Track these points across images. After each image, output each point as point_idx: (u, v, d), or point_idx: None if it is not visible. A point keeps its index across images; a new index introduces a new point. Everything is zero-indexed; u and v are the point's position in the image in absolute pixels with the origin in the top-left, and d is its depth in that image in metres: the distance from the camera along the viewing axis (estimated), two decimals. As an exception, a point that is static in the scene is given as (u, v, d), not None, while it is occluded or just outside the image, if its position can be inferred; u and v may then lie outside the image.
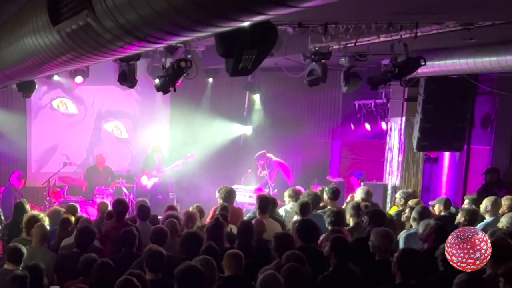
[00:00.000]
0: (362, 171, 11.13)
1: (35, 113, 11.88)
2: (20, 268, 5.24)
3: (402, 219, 6.99)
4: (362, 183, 10.48)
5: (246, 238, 5.81)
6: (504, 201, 6.83)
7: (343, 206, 7.66)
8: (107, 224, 6.79)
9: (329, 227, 6.27)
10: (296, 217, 6.95)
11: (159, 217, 7.88)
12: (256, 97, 12.76)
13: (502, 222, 5.93)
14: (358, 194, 7.92)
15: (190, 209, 7.22)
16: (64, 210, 7.67)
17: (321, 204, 7.65)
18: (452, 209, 7.29)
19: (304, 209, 6.88)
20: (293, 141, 13.17)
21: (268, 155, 11.33)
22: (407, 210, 7.02)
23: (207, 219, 7.47)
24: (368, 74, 7.89)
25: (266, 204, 7.05)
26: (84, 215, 8.05)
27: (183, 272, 4.37)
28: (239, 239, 5.84)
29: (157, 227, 6.13)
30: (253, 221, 6.45)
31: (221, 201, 7.51)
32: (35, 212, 6.97)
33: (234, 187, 8.61)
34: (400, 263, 4.52)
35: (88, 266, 5.07)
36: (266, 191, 10.29)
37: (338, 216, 6.45)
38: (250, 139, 13.08)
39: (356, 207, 6.86)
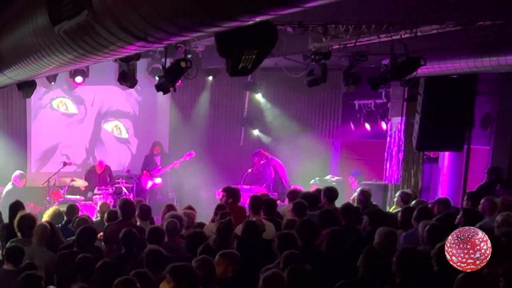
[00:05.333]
0: (359, 170, 11.12)
1: (35, 113, 11.87)
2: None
3: None
4: (359, 182, 10.49)
5: (252, 238, 5.78)
6: (502, 202, 6.82)
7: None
8: (112, 224, 6.76)
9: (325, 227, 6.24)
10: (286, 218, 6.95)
11: (156, 217, 7.90)
12: (259, 96, 12.77)
13: (497, 222, 5.93)
14: (357, 195, 7.91)
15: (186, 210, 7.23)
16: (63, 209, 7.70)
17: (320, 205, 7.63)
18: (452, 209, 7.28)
19: (299, 209, 6.87)
20: (293, 141, 13.16)
21: (265, 153, 11.35)
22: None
23: (210, 220, 7.45)
24: (368, 74, 7.90)
25: (259, 205, 7.05)
26: (82, 215, 8.04)
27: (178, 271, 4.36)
28: (244, 238, 5.81)
29: (153, 227, 6.12)
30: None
31: (230, 200, 7.50)
32: (26, 212, 6.96)
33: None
34: (400, 262, 4.52)
35: (86, 266, 5.06)
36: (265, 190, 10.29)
37: (328, 216, 6.44)
38: (250, 139, 13.08)
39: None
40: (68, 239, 6.50)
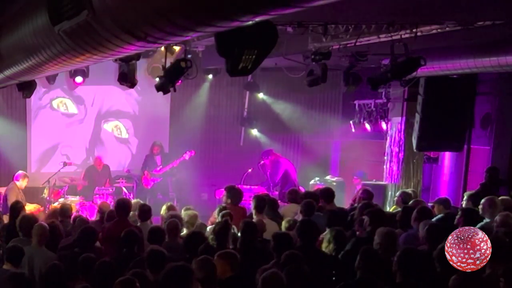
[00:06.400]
0: (363, 171, 11.13)
1: (35, 113, 11.87)
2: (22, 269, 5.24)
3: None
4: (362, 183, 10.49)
5: (250, 238, 5.79)
6: (501, 201, 6.81)
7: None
8: (109, 224, 6.76)
9: (327, 227, 6.25)
10: (288, 218, 6.96)
11: (156, 217, 7.89)
12: (260, 96, 12.77)
13: (497, 222, 5.93)
14: (360, 195, 7.92)
15: (183, 211, 7.24)
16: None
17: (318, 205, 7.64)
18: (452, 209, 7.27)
19: (308, 209, 6.88)
20: (293, 141, 13.17)
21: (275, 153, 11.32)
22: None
23: (210, 220, 7.46)
24: (368, 74, 7.90)
25: (262, 204, 7.05)
26: (82, 215, 8.03)
27: (170, 271, 4.38)
28: (242, 238, 5.82)
29: (154, 227, 6.11)
30: (254, 221, 6.45)
31: (229, 201, 7.49)
32: (27, 213, 6.95)
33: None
34: (400, 262, 4.51)
35: (87, 266, 5.07)
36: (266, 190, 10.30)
37: (335, 216, 6.45)
38: (250, 139, 13.08)
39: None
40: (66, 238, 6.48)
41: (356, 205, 7.75)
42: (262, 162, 11.33)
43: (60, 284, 5.03)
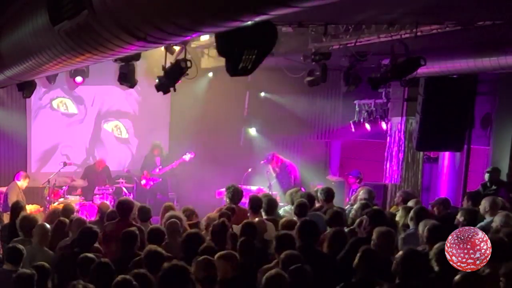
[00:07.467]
0: (358, 170, 11.14)
1: (35, 113, 11.87)
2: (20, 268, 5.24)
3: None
4: (360, 182, 10.48)
5: (249, 238, 5.79)
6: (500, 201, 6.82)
7: (346, 207, 7.66)
8: (110, 224, 6.75)
9: (328, 227, 6.26)
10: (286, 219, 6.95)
11: (156, 217, 7.88)
12: (259, 97, 12.77)
13: (496, 222, 5.93)
14: (361, 194, 7.91)
15: (182, 211, 7.24)
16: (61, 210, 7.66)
17: (318, 205, 7.63)
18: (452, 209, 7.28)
19: (301, 209, 6.88)
20: (293, 141, 13.17)
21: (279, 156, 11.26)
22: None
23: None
24: (368, 74, 7.90)
25: (258, 204, 7.05)
26: (78, 215, 8.00)
27: (167, 271, 4.37)
28: (242, 239, 5.82)
29: (153, 227, 6.10)
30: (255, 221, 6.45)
31: (227, 200, 7.49)
32: (27, 213, 6.95)
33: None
34: (401, 263, 4.51)
35: (86, 266, 5.06)
36: (266, 190, 10.28)
37: (338, 216, 6.46)
38: (250, 139, 13.08)
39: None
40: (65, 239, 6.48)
41: (356, 204, 7.73)
42: (269, 164, 11.17)
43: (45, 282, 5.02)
